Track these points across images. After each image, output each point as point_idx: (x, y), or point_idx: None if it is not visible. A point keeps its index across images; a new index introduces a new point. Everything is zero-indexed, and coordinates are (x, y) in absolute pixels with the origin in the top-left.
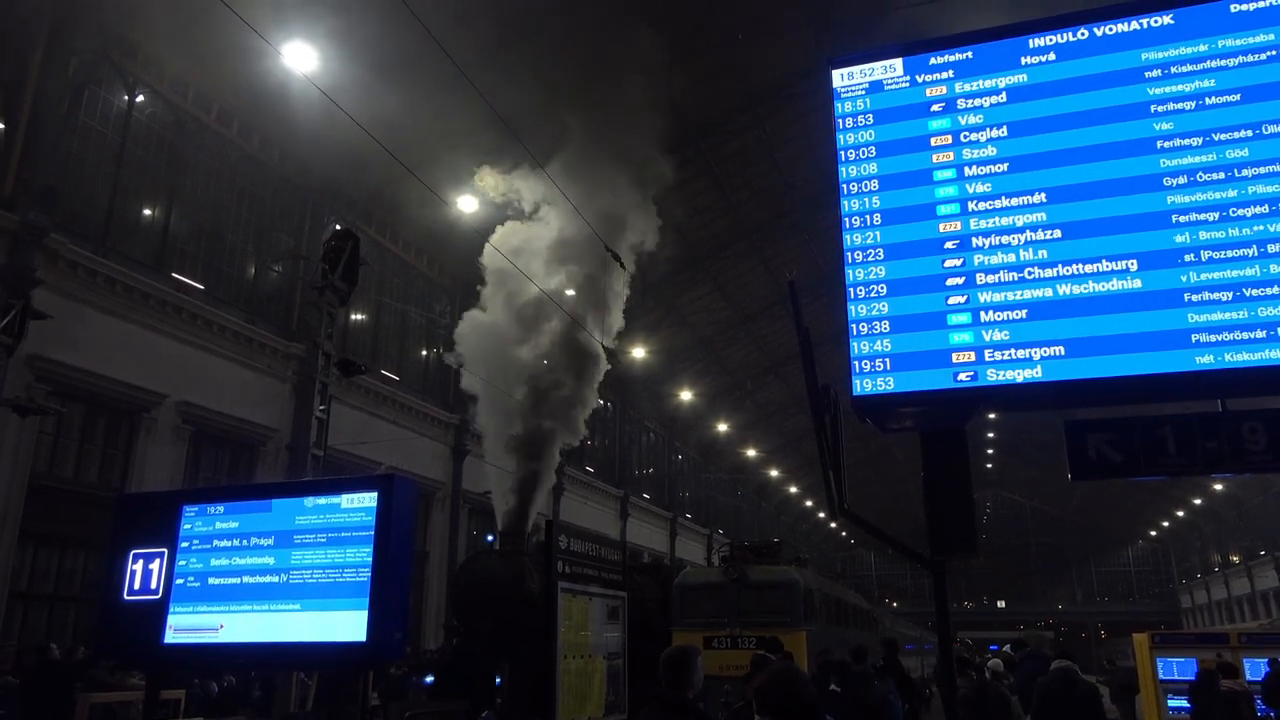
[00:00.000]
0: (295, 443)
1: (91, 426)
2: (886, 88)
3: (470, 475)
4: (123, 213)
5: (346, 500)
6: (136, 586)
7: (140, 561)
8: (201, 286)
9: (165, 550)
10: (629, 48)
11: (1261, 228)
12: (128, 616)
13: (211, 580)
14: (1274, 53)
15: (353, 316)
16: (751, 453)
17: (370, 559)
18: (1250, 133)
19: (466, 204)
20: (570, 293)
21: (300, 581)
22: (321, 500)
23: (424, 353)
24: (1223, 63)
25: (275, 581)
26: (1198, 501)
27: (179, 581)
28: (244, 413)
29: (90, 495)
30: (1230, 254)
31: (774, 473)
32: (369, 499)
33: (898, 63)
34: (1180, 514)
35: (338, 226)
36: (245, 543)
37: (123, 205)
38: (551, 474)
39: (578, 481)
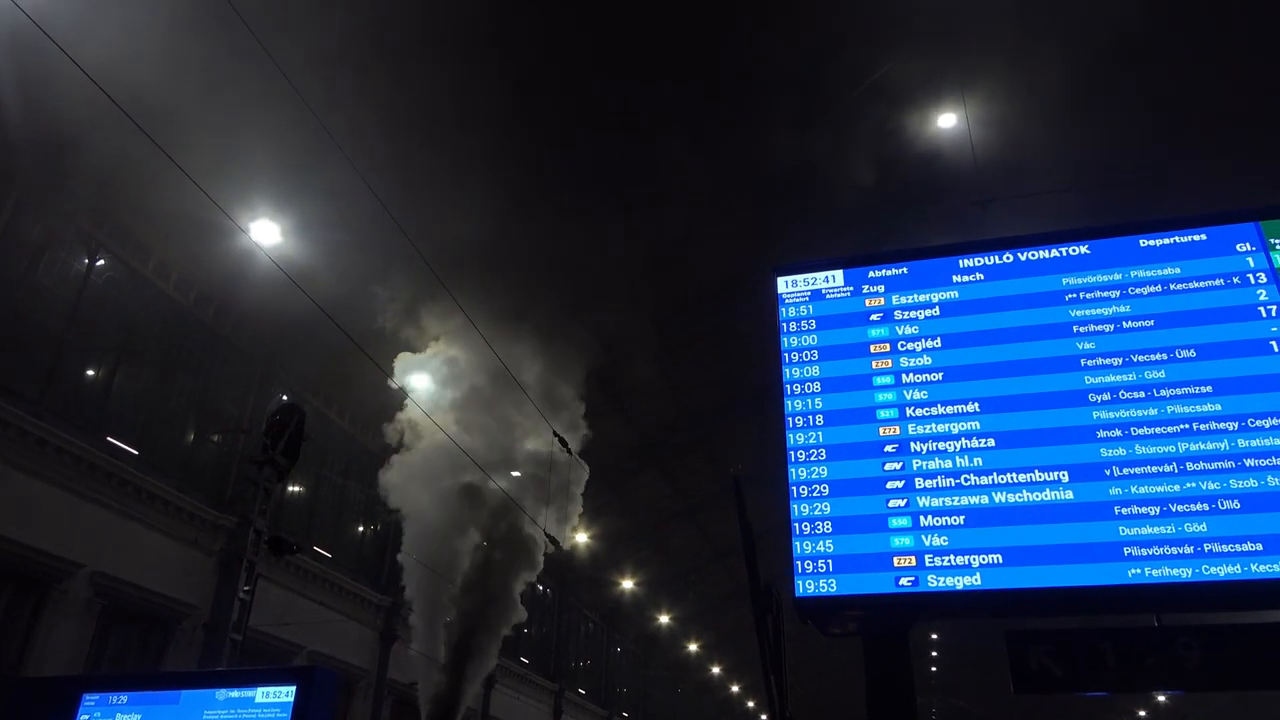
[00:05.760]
0: (214, 621)
1: None
2: (828, 296)
3: (397, 663)
4: (64, 374)
5: (261, 694)
6: None
7: None
8: (135, 452)
9: None
10: (597, 252)
11: (1181, 446)
12: None
13: None
14: (1181, 285)
15: (289, 488)
16: (693, 647)
17: None
18: (1165, 355)
19: (419, 380)
20: (516, 473)
21: None
22: (234, 693)
23: (360, 529)
24: (1136, 290)
25: None
26: (1142, 714)
27: None
28: (162, 586)
29: None
30: (1154, 470)
31: (715, 669)
32: (286, 694)
33: (839, 274)
34: None
35: (284, 398)
36: None
37: (66, 366)
38: (486, 669)
39: (510, 673)
